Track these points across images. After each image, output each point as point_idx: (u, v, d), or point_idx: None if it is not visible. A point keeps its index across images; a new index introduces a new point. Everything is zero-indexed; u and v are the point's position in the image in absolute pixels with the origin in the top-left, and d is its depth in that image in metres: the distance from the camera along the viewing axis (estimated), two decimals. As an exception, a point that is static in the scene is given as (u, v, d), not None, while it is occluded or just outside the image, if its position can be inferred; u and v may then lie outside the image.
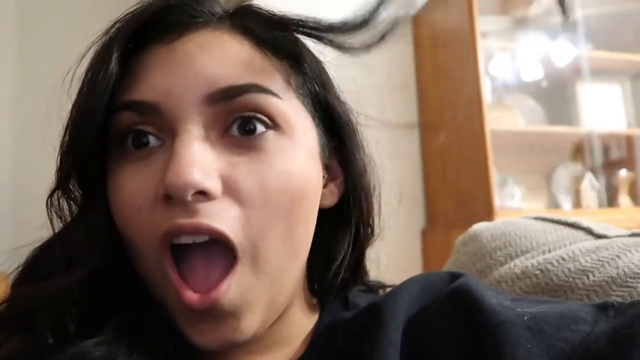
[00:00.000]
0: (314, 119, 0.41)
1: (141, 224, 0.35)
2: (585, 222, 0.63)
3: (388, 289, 0.50)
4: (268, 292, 0.36)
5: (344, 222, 0.43)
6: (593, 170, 2.20)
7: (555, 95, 2.21)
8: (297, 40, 0.40)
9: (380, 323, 0.38)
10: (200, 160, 0.33)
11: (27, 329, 0.35)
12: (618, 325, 0.33)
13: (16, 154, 1.99)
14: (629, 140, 2.28)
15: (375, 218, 0.44)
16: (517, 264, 0.56)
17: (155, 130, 0.36)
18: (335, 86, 0.43)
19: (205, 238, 0.34)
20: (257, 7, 0.39)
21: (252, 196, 0.34)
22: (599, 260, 0.50)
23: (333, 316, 0.44)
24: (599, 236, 0.59)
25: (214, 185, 0.33)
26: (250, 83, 0.35)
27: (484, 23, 1.78)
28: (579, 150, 2.27)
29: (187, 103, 0.34)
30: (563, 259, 0.53)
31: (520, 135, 1.99)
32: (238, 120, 0.35)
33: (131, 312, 0.37)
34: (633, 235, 0.55)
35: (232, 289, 0.34)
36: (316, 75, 0.41)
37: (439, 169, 1.97)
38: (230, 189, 0.34)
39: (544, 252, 0.57)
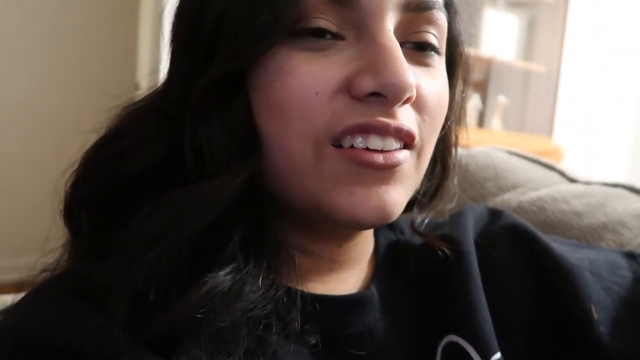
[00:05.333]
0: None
1: (313, 110, 0.33)
2: (556, 165, 0.71)
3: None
4: (413, 189, 0.38)
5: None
6: (480, 93, 2.40)
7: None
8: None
9: (463, 257, 0.42)
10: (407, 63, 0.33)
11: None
12: None
13: None
14: (514, 70, 2.50)
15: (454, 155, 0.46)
16: (512, 198, 0.63)
17: (338, 24, 0.34)
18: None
19: (393, 146, 0.34)
20: None
21: (431, 104, 0.36)
22: (589, 205, 0.58)
23: (385, 238, 0.46)
24: (572, 180, 0.68)
25: (414, 92, 0.34)
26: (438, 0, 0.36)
27: None
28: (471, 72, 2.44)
29: (387, 1, 0.34)
30: (556, 198, 0.60)
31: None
32: (417, 37, 0.36)
33: (250, 235, 0.34)
34: (605, 184, 0.64)
35: (405, 162, 0.35)
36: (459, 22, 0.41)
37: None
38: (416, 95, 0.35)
39: (532, 190, 0.64)
